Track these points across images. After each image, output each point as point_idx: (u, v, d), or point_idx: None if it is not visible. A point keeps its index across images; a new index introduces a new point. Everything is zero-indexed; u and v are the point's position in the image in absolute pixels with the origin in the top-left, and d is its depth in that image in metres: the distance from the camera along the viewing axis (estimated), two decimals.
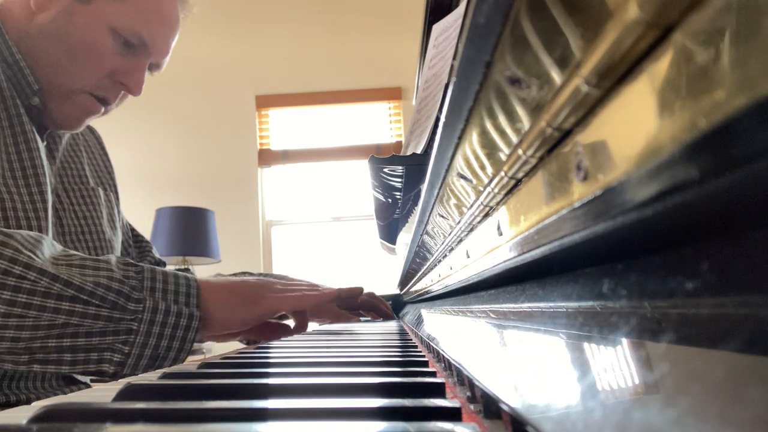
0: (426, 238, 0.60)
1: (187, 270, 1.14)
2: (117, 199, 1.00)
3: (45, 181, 0.78)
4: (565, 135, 0.18)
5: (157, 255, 1.09)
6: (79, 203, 0.88)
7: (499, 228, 0.28)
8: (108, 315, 0.56)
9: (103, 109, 0.85)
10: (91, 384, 0.88)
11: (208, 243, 2.80)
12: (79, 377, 0.85)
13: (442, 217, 0.44)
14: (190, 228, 2.75)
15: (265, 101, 3.41)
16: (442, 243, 0.50)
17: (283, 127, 3.45)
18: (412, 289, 1.11)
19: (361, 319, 1.23)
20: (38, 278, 0.54)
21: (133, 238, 1.06)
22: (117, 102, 0.86)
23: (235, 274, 1.02)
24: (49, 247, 0.59)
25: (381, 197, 1.01)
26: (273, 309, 0.70)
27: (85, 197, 0.90)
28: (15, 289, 0.53)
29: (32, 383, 0.79)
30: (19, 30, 0.79)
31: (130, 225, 1.06)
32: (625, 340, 0.16)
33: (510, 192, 0.25)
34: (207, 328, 0.65)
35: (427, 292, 0.82)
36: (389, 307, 1.20)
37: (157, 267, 0.63)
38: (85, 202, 0.89)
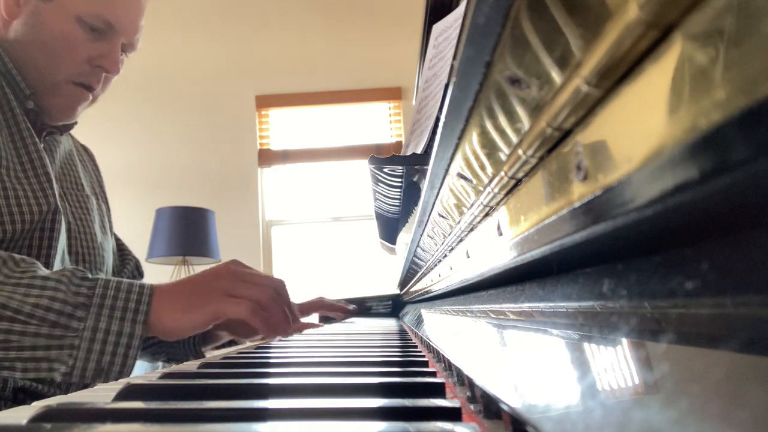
0: (426, 238, 0.60)
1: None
2: (108, 210, 1.06)
3: (50, 171, 0.84)
4: (565, 135, 0.18)
5: (136, 266, 1.12)
6: (74, 206, 0.93)
7: (499, 228, 0.28)
8: (48, 333, 0.61)
9: (90, 96, 0.90)
10: None
11: (208, 243, 2.80)
12: None
13: (442, 217, 0.44)
14: (190, 228, 2.75)
15: (265, 101, 3.40)
16: (442, 243, 0.50)
17: (283, 127, 3.45)
18: (412, 289, 1.11)
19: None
20: None
21: (117, 248, 1.10)
22: (102, 86, 0.91)
23: None
24: (6, 264, 0.64)
25: (381, 197, 1.01)
26: (216, 315, 0.67)
27: (80, 201, 0.95)
28: None
29: None
30: (1, 41, 0.85)
31: (117, 236, 1.11)
32: (625, 340, 0.16)
33: (510, 192, 0.25)
34: (161, 335, 0.67)
35: (427, 292, 0.82)
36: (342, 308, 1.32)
37: (113, 279, 0.66)
38: (80, 205, 0.94)
